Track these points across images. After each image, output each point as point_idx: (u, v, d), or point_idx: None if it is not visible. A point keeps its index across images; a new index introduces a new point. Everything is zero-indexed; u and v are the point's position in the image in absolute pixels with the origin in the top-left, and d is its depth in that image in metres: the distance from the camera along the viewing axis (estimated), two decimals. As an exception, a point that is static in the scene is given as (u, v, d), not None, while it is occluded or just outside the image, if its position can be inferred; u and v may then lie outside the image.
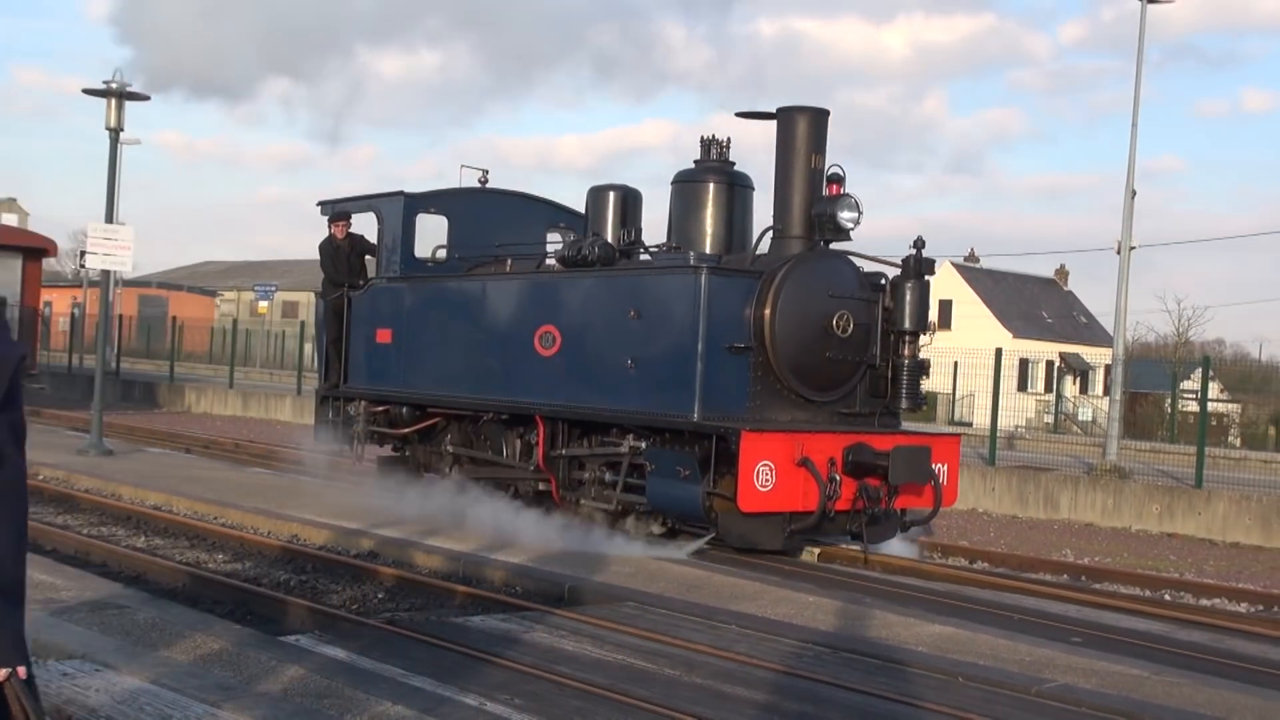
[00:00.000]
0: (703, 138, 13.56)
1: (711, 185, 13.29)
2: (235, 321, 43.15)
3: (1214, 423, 32.62)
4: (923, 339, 12.93)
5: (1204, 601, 12.23)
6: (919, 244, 12.60)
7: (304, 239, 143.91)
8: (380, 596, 10.25)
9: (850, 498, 11.92)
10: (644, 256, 13.54)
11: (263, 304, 58.58)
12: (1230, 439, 35.65)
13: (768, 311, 12.05)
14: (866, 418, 12.81)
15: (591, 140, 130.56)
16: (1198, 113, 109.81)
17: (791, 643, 8.43)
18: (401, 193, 15.56)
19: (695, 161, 13.61)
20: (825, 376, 12.43)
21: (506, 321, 13.87)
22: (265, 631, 8.22)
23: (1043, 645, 8.70)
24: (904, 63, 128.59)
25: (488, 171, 16.31)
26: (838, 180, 12.44)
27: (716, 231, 13.24)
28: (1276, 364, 44.25)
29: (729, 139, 13.49)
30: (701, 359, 11.81)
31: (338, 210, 16.45)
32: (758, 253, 12.72)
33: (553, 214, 16.71)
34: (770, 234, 12.60)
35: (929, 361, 12.99)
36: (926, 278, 12.66)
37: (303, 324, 44.25)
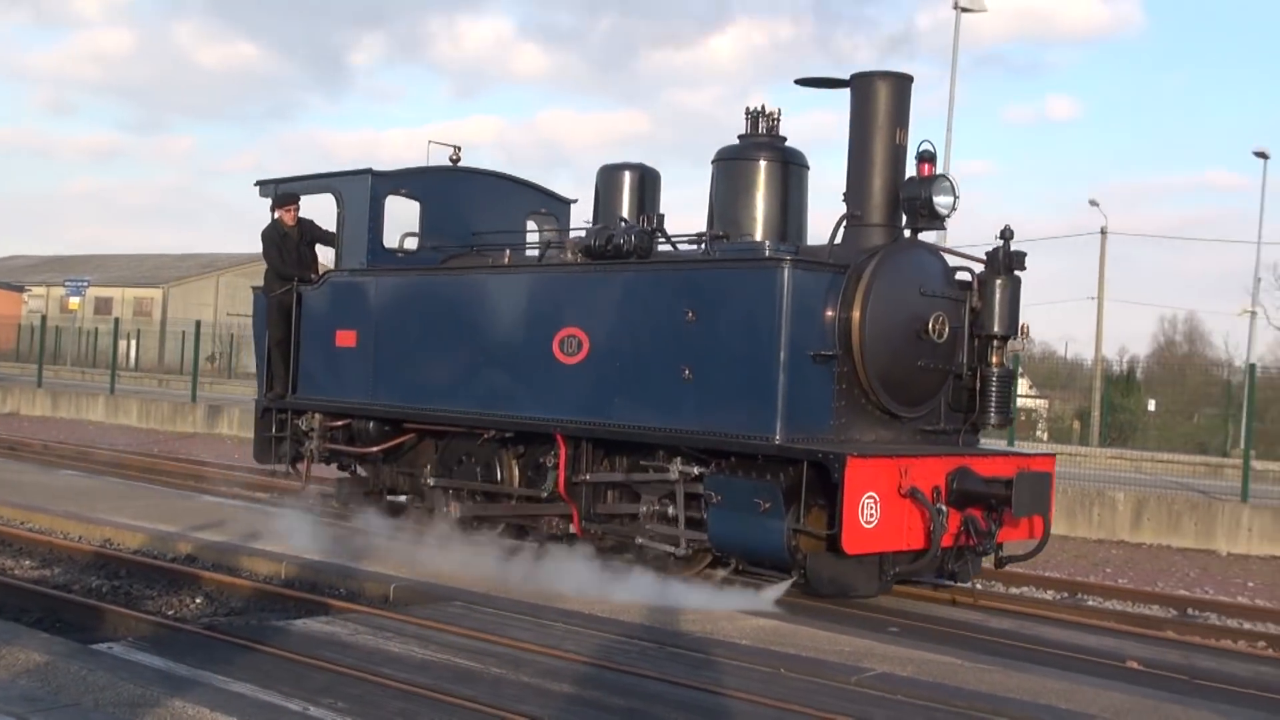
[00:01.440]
0: (748, 109, 11.61)
1: (762, 163, 11.34)
2: (44, 318, 42.39)
3: (1023, 417, 33.93)
4: (1012, 344, 11.19)
5: (1012, 590, 12.34)
6: (1006, 235, 10.83)
7: (120, 233, 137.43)
8: (199, 601, 10.10)
9: (954, 532, 10.08)
10: (686, 246, 11.55)
11: (74, 300, 55.22)
12: (1038, 433, 36.91)
13: (856, 313, 10.15)
14: (950, 435, 11.02)
15: (417, 134, 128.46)
16: (1006, 119, 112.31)
17: (618, 638, 8.52)
18: (369, 170, 13.27)
19: (740, 137, 11.64)
20: (915, 388, 10.60)
21: (516, 323, 11.72)
22: (76, 640, 7.91)
23: (862, 636, 8.93)
24: (732, 64, 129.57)
25: (460, 149, 14.10)
26: (930, 158, 10.60)
27: (769, 217, 11.29)
28: (1080, 361, 46.30)
29: (779, 110, 11.57)
30: (784, 369, 9.86)
31: (285, 192, 14.06)
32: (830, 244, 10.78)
33: (533, 198, 14.56)
34: (844, 223, 10.67)
35: (1018, 371, 11.24)
36: (1017, 273, 10.90)
37: (116, 320, 41.74)
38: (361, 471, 14.12)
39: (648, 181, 12.47)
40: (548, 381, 11.39)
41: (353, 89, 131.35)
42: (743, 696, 7.12)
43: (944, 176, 10.45)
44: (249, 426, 28.76)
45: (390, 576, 10.39)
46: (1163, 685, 8.38)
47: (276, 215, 14.05)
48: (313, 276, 14.03)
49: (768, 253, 10.27)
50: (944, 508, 9.85)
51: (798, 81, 11.38)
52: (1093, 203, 61.54)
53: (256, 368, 14.69)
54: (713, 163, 11.67)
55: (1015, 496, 9.81)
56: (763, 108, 11.53)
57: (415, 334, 12.62)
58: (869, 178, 10.67)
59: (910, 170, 10.73)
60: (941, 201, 10.42)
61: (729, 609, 9.69)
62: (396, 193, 13.50)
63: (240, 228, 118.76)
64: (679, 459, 10.56)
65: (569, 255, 11.88)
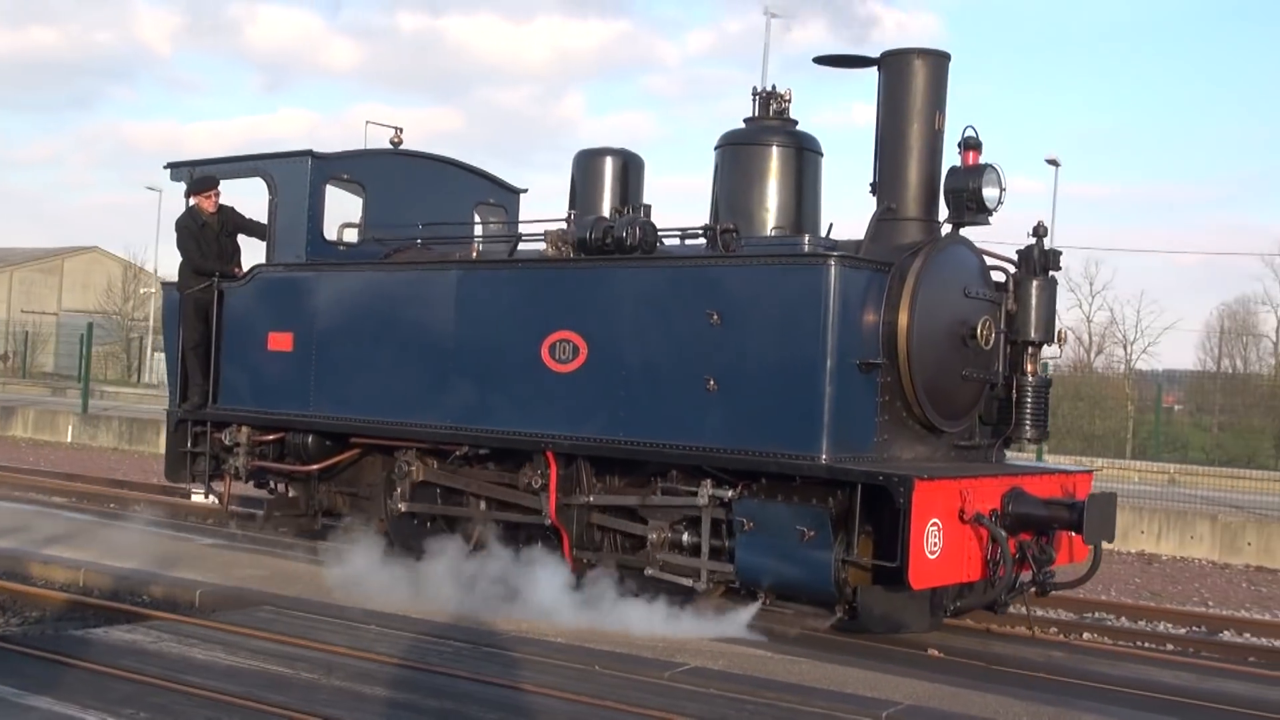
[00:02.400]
0: (756, 89, 10.46)
1: (775, 149, 10.19)
2: None
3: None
4: (1047, 351, 10.29)
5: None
6: (1040, 232, 9.90)
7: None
8: (-10, 613, 9.56)
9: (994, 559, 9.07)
10: (686, 241, 10.37)
11: None
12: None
13: (903, 317, 9.09)
14: (983, 451, 10.05)
15: (224, 128, 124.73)
16: (814, 123, 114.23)
17: (432, 639, 8.46)
18: (310, 152, 11.76)
19: (746, 120, 10.48)
20: (958, 400, 9.59)
21: (496, 326, 10.35)
22: None
23: (675, 632, 8.89)
24: (544, 64, 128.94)
25: (401, 130, 12.65)
26: (976, 145, 9.58)
27: (783, 208, 10.16)
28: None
29: (790, 91, 10.44)
30: (831, 380, 8.74)
31: (203, 176, 12.45)
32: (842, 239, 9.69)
33: (480, 186, 13.20)
34: (879, 216, 9.60)
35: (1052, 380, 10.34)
36: (1053, 274, 9.98)
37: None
38: (290, 491, 12.59)
39: (631, 168, 11.24)
40: (536, 392, 10.07)
41: (151, 77, 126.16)
42: (556, 694, 7.19)
43: (991, 166, 9.45)
44: (45, 428, 27.79)
45: (196, 582, 10.07)
46: (958, 671, 8.45)
47: (193, 202, 12.45)
48: (236, 271, 12.44)
49: (807, 248, 9.12)
50: (1002, 534, 8.85)
51: (817, 60, 10.24)
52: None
53: (168, 374, 13.00)
54: (716, 149, 10.48)
55: (1087, 522, 8.84)
56: (773, 88, 10.40)
57: (368, 338, 11.15)
58: (904, 167, 9.62)
59: (945, 160, 9.70)
60: (990, 194, 9.42)
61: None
62: (338, 178, 12.03)
63: (37, 221, 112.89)
64: (709, 481, 9.35)
65: (550, 249, 10.58)
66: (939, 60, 9.64)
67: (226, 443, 12.28)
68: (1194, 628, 11.12)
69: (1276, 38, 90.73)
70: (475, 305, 10.51)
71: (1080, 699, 7.74)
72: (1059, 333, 10.07)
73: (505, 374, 10.26)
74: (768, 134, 10.23)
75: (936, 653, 9.06)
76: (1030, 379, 9.87)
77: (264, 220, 12.39)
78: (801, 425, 8.79)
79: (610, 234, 9.99)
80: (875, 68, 9.88)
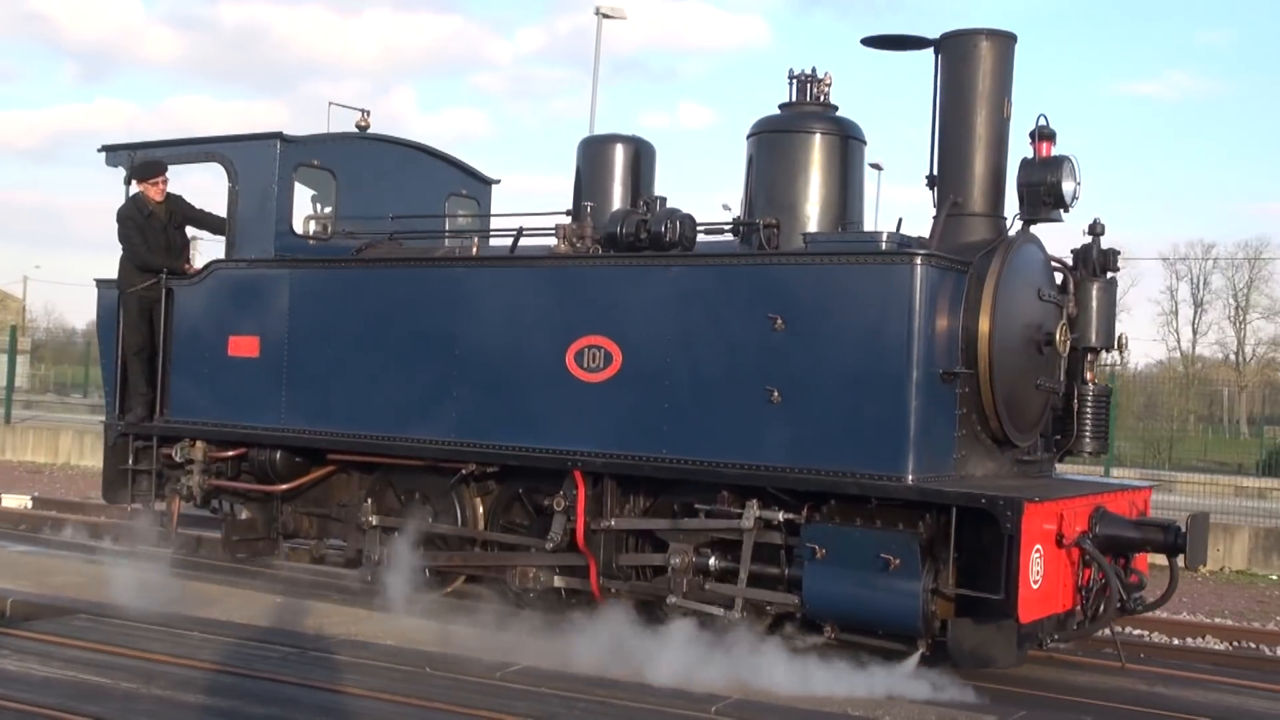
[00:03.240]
0: (792, 72, 9.56)
1: (817, 137, 9.29)
2: None
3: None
4: (1106, 358, 9.63)
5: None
6: (1097, 230, 9.22)
7: None
8: None
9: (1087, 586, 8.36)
10: (721, 237, 9.47)
11: None
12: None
13: (984, 322, 8.31)
14: (1043, 465, 9.34)
15: (36, 118, 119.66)
16: (643, 124, 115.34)
17: (257, 644, 8.28)
18: (279, 135, 10.53)
19: (782, 106, 9.58)
20: (1031, 412, 8.86)
21: (512, 331, 9.29)
22: None
23: (509, 632, 8.87)
24: (372, 59, 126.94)
25: (368, 113, 11.47)
26: (1049, 135, 8.83)
27: (828, 200, 9.26)
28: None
29: (829, 74, 9.57)
30: (918, 392, 7.91)
31: (148, 160, 11.11)
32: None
33: (453, 176, 12.08)
34: (946, 211, 8.80)
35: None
36: (1112, 275, 9.31)
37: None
38: (244, 513, 11.33)
39: (643, 157, 10.25)
40: (559, 404, 9.05)
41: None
42: (386, 697, 7.10)
43: (1068, 158, 8.72)
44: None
45: (7, 590, 9.59)
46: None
47: (137, 190, 11.10)
48: (186, 268, 11.15)
49: (884, 244, 8.26)
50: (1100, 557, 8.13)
51: (865, 41, 9.42)
52: (725, 207, 61.87)
53: (105, 382, 11.60)
54: (749, 137, 9.56)
55: (1190, 544, 8.15)
56: (813, 71, 9.51)
57: (351, 343, 9.98)
58: (970, 158, 8.83)
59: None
60: (1068, 188, 8.69)
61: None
62: (308, 164, 10.80)
63: None
64: (754, 502, 8.44)
65: (563, 245, 9.56)
66: (1006, 42, 8.87)
67: (177, 459, 10.97)
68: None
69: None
70: (483, 307, 9.44)
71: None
72: (1119, 338, 9.40)
73: (521, 384, 9.22)
74: (809, 120, 9.33)
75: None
76: (1091, 387, 9.18)
77: (215, 211, 11.17)
78: (884, 442, 7.94)
79: (644, 229, 9.03)
80: (932, 50, 9.09)
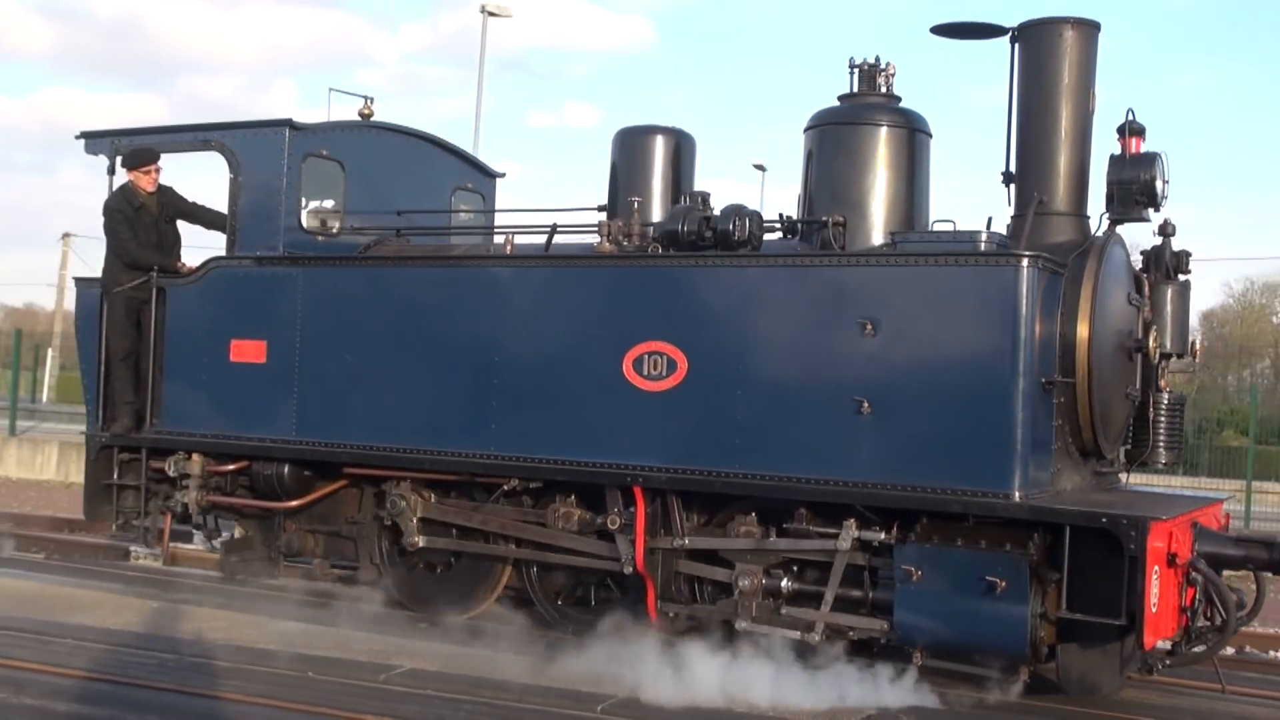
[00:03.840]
0: (853, 61, 8.99)
1: (884, 130, 8.73)
2: None
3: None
4: (1183, 364, 9.23)
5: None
6: (1168, 231, 8.81)
7: None
8: None
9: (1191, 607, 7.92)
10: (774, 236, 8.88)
11: None
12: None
13: (1083, 328, 7.85)
14: (1114, 477, 8.92)
15: None
16: (530, 124, 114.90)
17: (134, 651, 8.08)
18: (289, 122, 9.72)
19: (842, 97, 9.00)
20: (1119, 422, 8.42)
21: (562, 335, 8.61)
22: None
23: (392, 635, 8.83)
24: (253, 53, 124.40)
25: (372, 100, 10.69)
26: (1139, 131, 8.38)
27: (895, 197, 8.68)
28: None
29: (891, 64, 9.02)
30: (1024, 403, 7.39)
31: (140, 148, 10.22)
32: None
33: (459, 169, 11.34)
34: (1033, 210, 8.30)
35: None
36: (1185, 278, 8.91)
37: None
38: (238, 531, 10.51)
39: (684, 150, 9.63)
40: (616, 414, 8.39)
41: None
42: (268, 702, 6.99)
43: (1160, 154, 8.28)
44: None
45: None
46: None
47: (128, 180, 10.19)
48: (179, 266, 10.28)
49: (983, 245, 7.73)
50: (1200, 578, 7.68)
51: (935, 30, 8.90)
52: (601, 208, 61.52)
53: (85, 390, 10.65)
54: (808, 130, 8.97)
55: (1296, 562, 7.74)
56: (877, 59, 8.95)
57: (375, 349, 9.22)
58: (1053, 154, 8.36)
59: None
60: (1160, 186, 8.25)
61: None
62: (316, 154, 9.99)
63: None
64: (853, 521, 7.87)
65: (606, 244, 8.91)
66: (1090, 31, 8.42)
67: (170, 473, 10.09)
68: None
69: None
70: (528, 310, 8.75)
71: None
72: (1193, 344, 9.00)
73: (572, 393, 8.55)
74: (875, 112, 8.75)
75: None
76: (1166, 395, 8.76)
77: (205, 203, 10.37)
78: (988, 457, 7.42)
79: (710, 227, 8.42)
80: (1009, 40, 8.61)
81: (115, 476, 10.35)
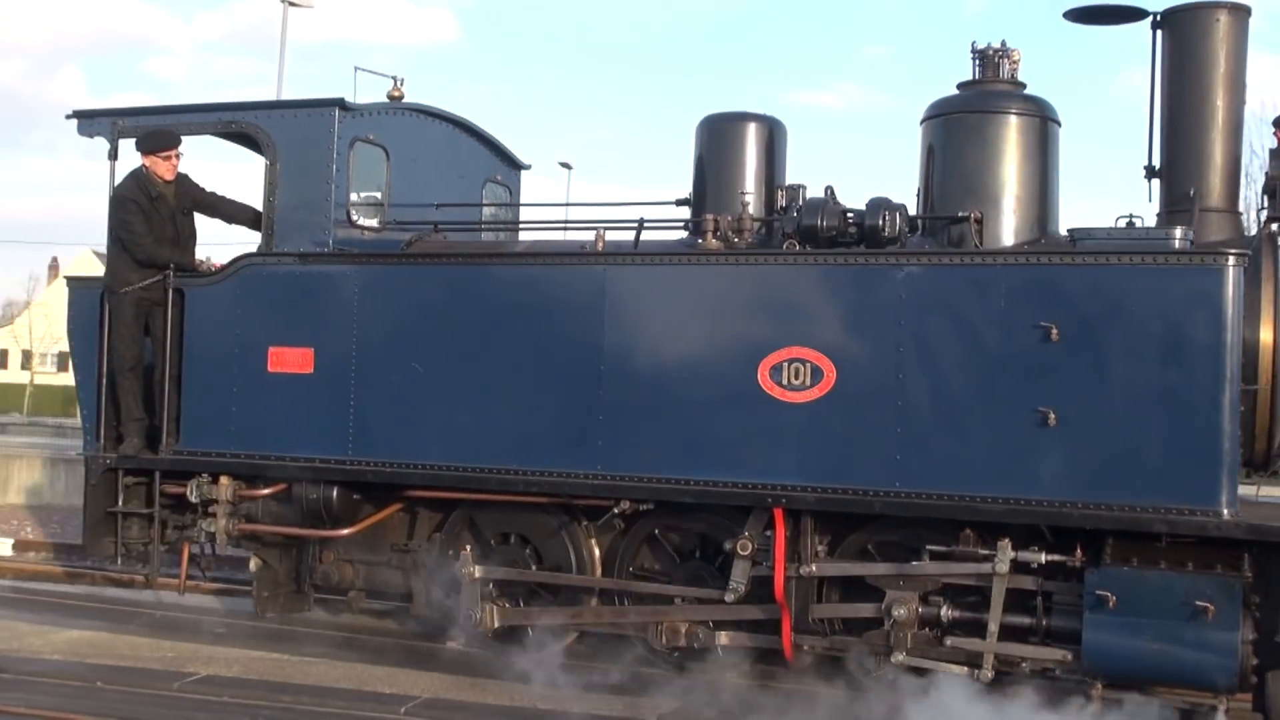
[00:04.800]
0: (976, 46, 8.36)
1: (1013, 119, 8.11)
2: None
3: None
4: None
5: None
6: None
7: None
8: None
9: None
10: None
11: None
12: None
13: (1266, 333, 7.38)
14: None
15: None
16: None
17: None
18: (340, 102, 8.66)
19: (962, 85, 8.36)
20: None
21: (686, 342, 7.75)
22: None
23: (186, 640, 8.74)
24: (37, 37, 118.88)
25: (402, 81, 9.65)
26: (1287, 124, 7.94)
27: (1030, 192, 8.10)
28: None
29: (1017, 50, 8.42)
30: (1232, 412, 6.84)
31: (159, 130, 9.02)
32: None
33: (489, 159, 10.36)
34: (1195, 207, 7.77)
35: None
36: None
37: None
38: (254, 562, 9.37)
39: (777, 139, 8.87)
40: (752, 428, 7.58)
41: None
42: (52, 715, 6.80)
43: (1316, 147, 7.84)
44: None
45: None
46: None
47: (143, 165, 8.97)
48: (199, 264, 9.11)
49: (1175, 241, 7.15)
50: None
51: (1068, 15, 8.31)
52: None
53: (83, 404, 9.34)
54: (927, 120, 8.31)
55: None
56: (1003, 44, 8.33)
57: (452, 358, 8.24)
58: (1208, 147, 7.86)
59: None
60: (1326, 182, 7.80)
61: None
62: (364, 139, 8.94)
63: None
64: (1007, 542, 7.21)
65: (712, 240, 8.11)
66: (1243, 17, 7.93)
67: (192, 499, 8.90)
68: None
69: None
70: (642, 314, 7.88)
71: None
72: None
73: (696, 405, 7.70)
74: (1005, 100, 8.15)
75: (456, 644, 8.72)
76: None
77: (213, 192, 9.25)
78: (1194, 471, 6.84)
79: (854, 222, 7.68)
80: (1150, 25, 8.08)
81: (121, 503, 9.09)
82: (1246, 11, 7.97)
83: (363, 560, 9.12)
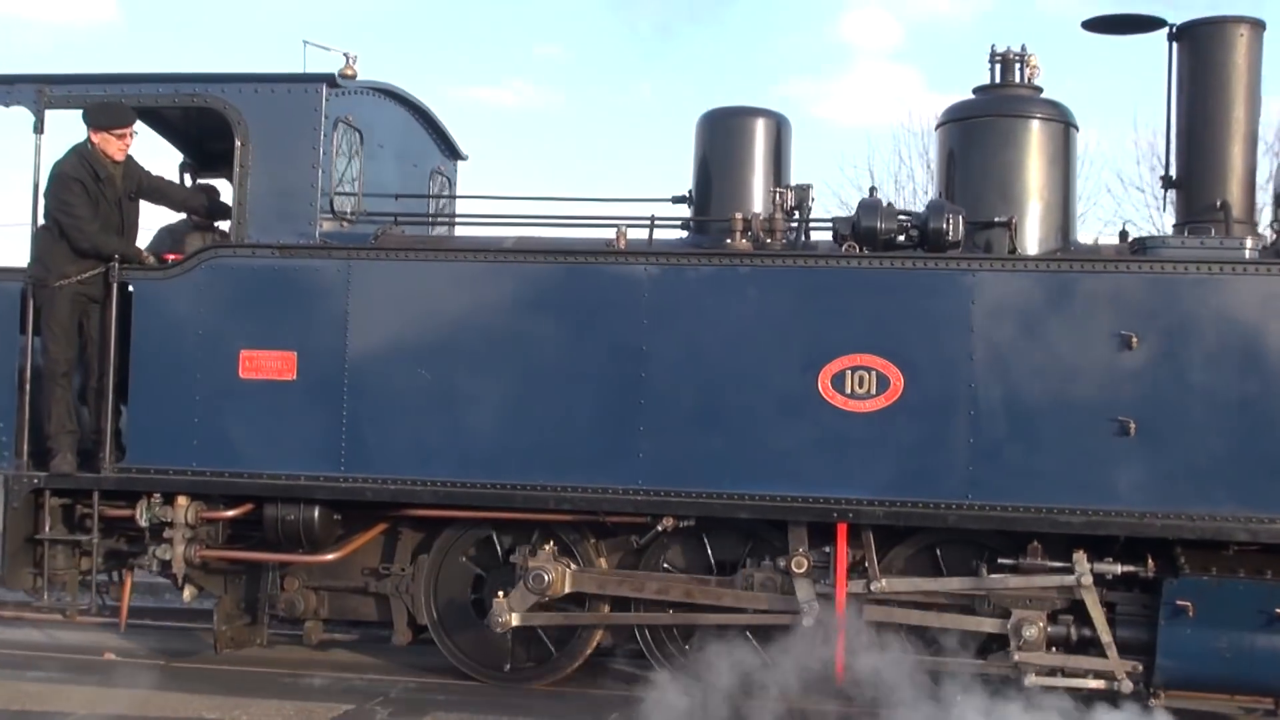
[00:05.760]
0: (994, 51, 8.23)
1: (1036, 124, 8.02)
2: None
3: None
4: None
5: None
6: None
7: None
8: None
9: None
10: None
11: None
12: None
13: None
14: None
15: None
16: None
17: None
18: (329, 78, 7.81)
19: (979, 90, 8.23)
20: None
21: (739, 348, 7.30)
22: None
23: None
24: None
25: (355, 59, 8.77)
26: (1309, 138, 8.12)
27: (1054, 196, 7.99)
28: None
29: (1034, 55, 8.32)
30: (1310, 421, 6.92)
31: (111, 103, 7.93)
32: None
33: (434, 147, 9.60)
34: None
35: None
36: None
37: None
38: (186, 595, 8.38)
39: (784, 135, 8.51)
40: (812, 439, 7.21)
41: None
42: None
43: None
44: None
45: None
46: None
47: (90, 142, 7.85)
48: (143, 256, 8.04)
49: (1248, 252, 7.18)
50: None
51: (1087, 25, 8.26)
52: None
53: (-1, 414, 8.09)
54: (944, 125, 8.14)
55: None
56: (1022, 49, 8.23)
57: (464, 363, 7.55)
58: (1229, 159, 7.95)
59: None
60: (1340, 197, 8.03)
61: None
62: (345, 120, 8.09)
63: None
64: (1082, 554, 7.08)
65: (740, 240, 7.71)
66: (1260, 31, 8.06)
67: (142, 522, 7.83)
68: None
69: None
70: (687, 317, 7.38)
71: None
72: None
73: (749, 414, 7.28)
74: (1029, 104, 8.04)
75: (111, 655, 8.46)
76: None
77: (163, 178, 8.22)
78: (1274, 479, 6.87)
79: (917, 225, 7.41)
80: (1167, 38, 8.13)
81: (48, 528, 7.92)
82: (1263, 26, 8.12)
83: (329, 588, 8.25)
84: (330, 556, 7.89)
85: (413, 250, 7.77)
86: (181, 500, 7.81)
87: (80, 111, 7.86)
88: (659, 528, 7.47)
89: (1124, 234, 8.25)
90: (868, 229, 7.45)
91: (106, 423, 7.81)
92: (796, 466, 7.23)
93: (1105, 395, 6.98)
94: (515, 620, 7.57)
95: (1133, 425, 6.93)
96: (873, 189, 7.91)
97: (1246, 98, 7.96)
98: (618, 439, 7.38)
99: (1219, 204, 7.83)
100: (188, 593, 8.36)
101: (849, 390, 7.18)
